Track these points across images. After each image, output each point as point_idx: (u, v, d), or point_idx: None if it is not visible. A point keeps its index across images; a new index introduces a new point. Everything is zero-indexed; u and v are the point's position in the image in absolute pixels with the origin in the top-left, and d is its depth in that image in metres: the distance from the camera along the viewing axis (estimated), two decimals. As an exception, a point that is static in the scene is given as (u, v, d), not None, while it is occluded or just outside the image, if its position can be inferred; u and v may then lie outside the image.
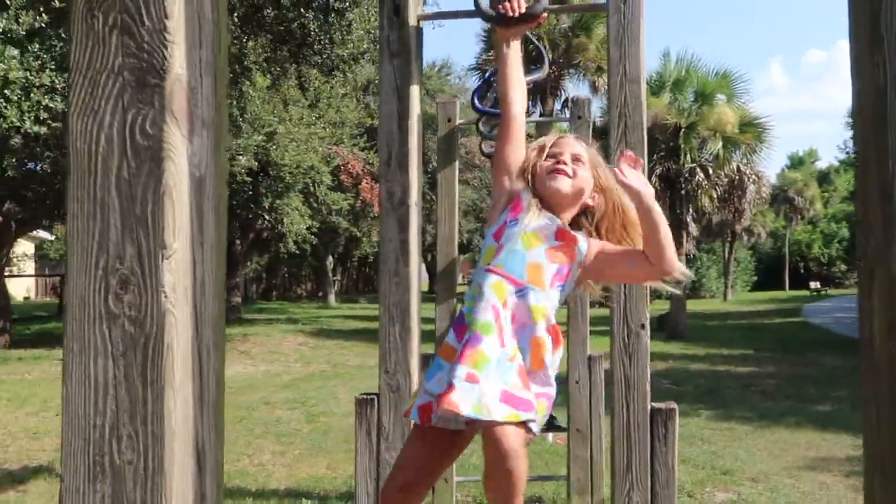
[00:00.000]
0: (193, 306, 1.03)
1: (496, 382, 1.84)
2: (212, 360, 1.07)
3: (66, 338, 0.99)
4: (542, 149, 2.25)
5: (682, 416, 8.09)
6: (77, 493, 0.98)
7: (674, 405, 3.08)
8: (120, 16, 0.99)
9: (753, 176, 19.29)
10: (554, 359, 2.05)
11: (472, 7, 2.99)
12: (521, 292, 2.01)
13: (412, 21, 3.24)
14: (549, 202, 2.16)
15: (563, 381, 5.72)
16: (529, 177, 2.20)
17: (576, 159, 2.19)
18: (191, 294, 1.03)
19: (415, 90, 3.09)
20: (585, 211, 2.25)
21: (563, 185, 2.13)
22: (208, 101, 1.06)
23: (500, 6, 2.50)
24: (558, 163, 2.15)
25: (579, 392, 5.47)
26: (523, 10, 2.31)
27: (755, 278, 50.05)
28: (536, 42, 3.51)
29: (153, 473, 0.97)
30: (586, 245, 2.17)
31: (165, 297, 0.97)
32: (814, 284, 43.76)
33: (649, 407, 3.04)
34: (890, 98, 0.87)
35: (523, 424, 1.83)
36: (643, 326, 3.17)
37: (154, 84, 0.99)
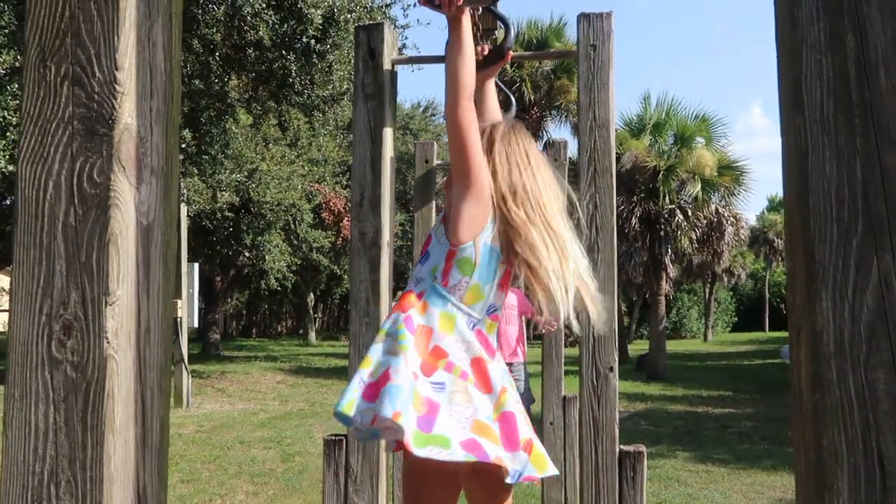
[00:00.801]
0: (137, 352, 1.04)
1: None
2: (156, 405, 1.08)
3: (7, 384, 1.00)
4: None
5: (659, 458, 8.10)
6: (15, 540, 0.98)
7: (642, 448, 3.09)
8: (71, 67, 1.02)
9: (732, 218, 19.50)
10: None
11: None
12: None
13: (386, 65, 3.30)
14: None
15: (537, 421, 5.76)
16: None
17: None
18: (134, 339, 1.04)
19: (388, 133, 3.14)
20: None
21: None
22: (158, 149, 1.08)
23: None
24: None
25: (553, 433, 5.48)
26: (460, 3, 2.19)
27: (735, 319, 50.29)
28: (505, 88, 3.58)
29: (91, 519, 0.97)
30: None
31: (108, 342, 0.99)
32: (793, 326, 43.83)
33: (618, 450, 3.05)
34: (811, 162, 0.91)
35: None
36: (611, 369, 3.19)
37: (102, 133, 1.01)
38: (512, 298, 6.04)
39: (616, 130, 3.31)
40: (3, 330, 30.18)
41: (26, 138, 1.02)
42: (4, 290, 27.29)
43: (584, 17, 3.22)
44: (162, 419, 1.09)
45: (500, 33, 3.36)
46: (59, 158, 1.01)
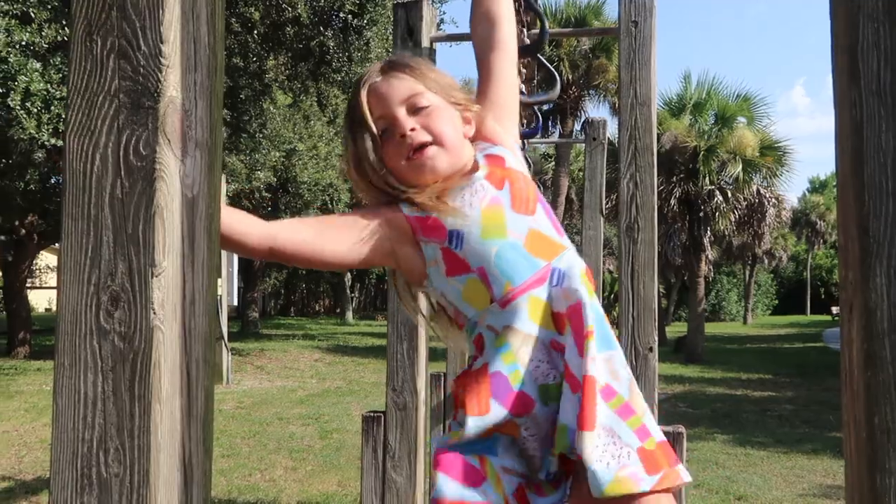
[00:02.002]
0: (182, 323, 1.06)
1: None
2: (200, 376, 1.09)
3: (57, 353, 1.01)
4: (361, 125, 1.51)
5: (698, 440, 8.05)
6: (65, 505, 1.00)
7: (682, 428, 3.07)
8: (117, 40, 1.02)
9: (773, 199, 19.21)
10: None
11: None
12: (554, 278, 1.46)
13: (425, 42, 3.28)
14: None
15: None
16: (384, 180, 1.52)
17: (411, 104, 1.51)
18: (180, 311, 1.05)
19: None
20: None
21: (436, 162, 1.49)
22: (202, 122, 1.09)
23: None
24: (402, 136, 1.48)
25: (591, 414, 5.46)
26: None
27: (776, 302, 49.65)
28: (549, 65, 3.56)
29: (139, 485, 0.99)
30: (507, 152, 1.61)
31: (154, 313, 1.00)
32: (835, 309, 43.32)
33: (657, 430, 3.02)
34: (867, 133, 0.88)
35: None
36: (651, 349, 3.17)
37: (148, 106, 1.02)
38: None
39: (656, 111, 3.27)
40: (49, 307, 30.89)
41: (73, 112, 1.03)
42: (51, 267, 27.89)
43: (626, -7, 3.17)
44: (206, 390, 1.10)
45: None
46: (105, 131, 1.02)
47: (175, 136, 1.04)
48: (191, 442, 1.06)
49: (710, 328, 25.79)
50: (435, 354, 3.41)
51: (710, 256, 19.66)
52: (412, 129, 1.47)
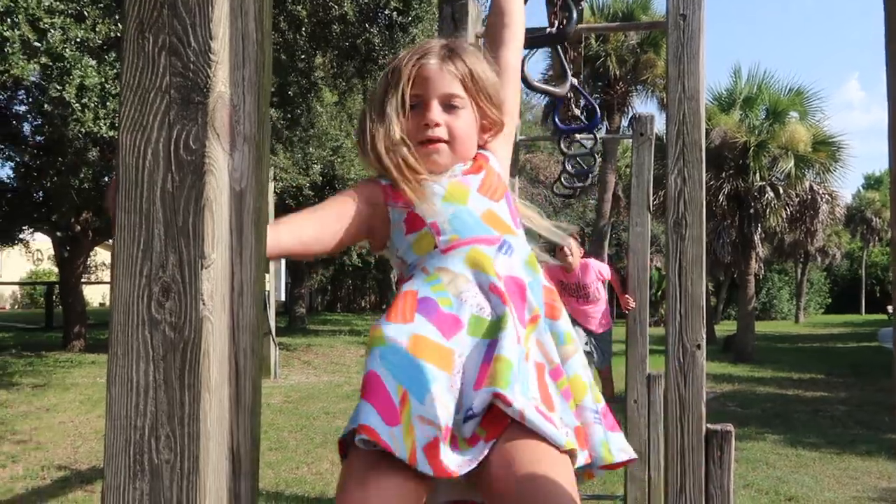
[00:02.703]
0: (231, 314, 1.08)
1: (522, 397, 1.35)
2: (248, 366, 1.11)
3: (110, 343, 1.04)
4: (397, 91, 1.58)
5: (748, 440, 7.93)
6: (118, 491, 1.03)
7: (730, 427, 3.03)
8: (168, 37, 1.05)
9: (827, 196, 18.78)
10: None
11: (534, 25, 3.04)
12: (503, 250, 1.51)
13: (471, 38, 3.29)
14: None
15: (621, 399, 5.72)
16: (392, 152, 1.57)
17: (448, 101, 1.59)
18: (228, 302, 1.07)
19: (473, 106, 3.12)
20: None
21: (440, 158, 1.59)
22: (250, 117, 1.11)
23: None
24: (426, 125, 1.57)
25: (637, 412, 5.42)
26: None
27: (829, 301, 48.59)
28: (564, 60, 3.54)
29: (189, 472, 1.02)
30: (491, 155, 1.68)
31: (203, 304, 1.02)
32: (891, 308, 42.22)
33: (704, 429, 2.99)
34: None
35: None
36: (699, 346, 3.13)
37: (198, 101, 1.04)
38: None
39: (704, 105, 3.22)
40: (103, 301, 31.62)
41: (126, 108, 1.06)
42: (105, 263, 28.53)
43: (673, -14, 3.13)
44: (254, 381, 1.12)
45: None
46: (156, 127, 1.05)
47: (224, 130, 1.06)
48: (239, 431, 1.08)
49: (761, 327, 25.34)
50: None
51: (760, 254, 19.29)
52: (437, 125, 1.57)
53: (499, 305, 1.43)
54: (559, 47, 3.32)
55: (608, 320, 6.11)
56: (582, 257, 6.42)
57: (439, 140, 1.57)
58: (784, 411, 10.44)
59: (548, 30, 3.00)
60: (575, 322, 6.11)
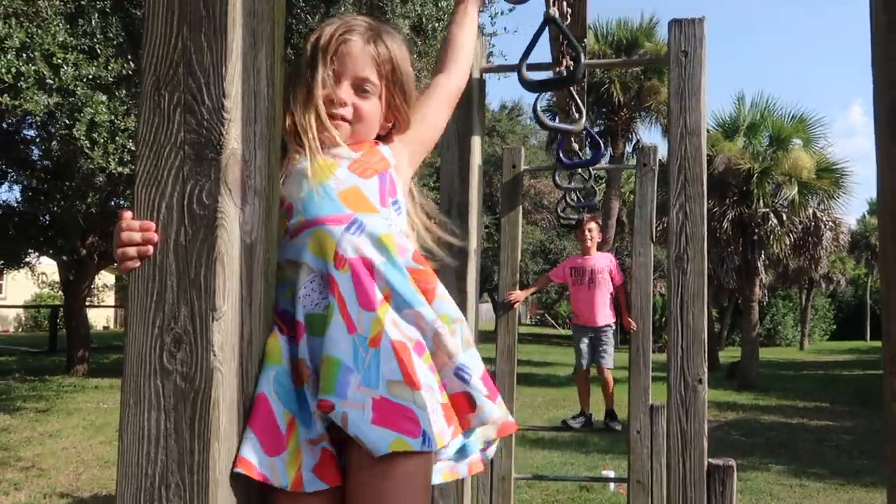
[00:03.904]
0: (240, 363, 1.11)
1: (360, 392, 1.28)
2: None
3: (123, 391, 1.07)
4: (318, 62, 1.58)
5: (751, 470, 7.89)
6: (129, 537, 1.05)
7: (732, 462, 3.04)
8: (183, 95, 1.08)
9: (830, 222, 18.78)
10: (442, 298, 1.47)
11: (536, 61, 3.09)
12: (352, 229, 1.43)
13: (475, 73, 3.33)
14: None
15: (624, 430, 5.71)
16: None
17: (360, 84, 1.59)
18: (238, 352, 1.10)
19: (476, 141, 3.16)
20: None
21: (340, 134, 1.56)
22: (261, 171, 1.14)
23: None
24: (333, 101, 1.56)
25: (640, 442, 5.41)
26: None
27: (834, 327, 48.35)
28: (577, 98, 3.58)
29: (198, 521, 1.04)
30: (386, 147, 1.66)
31: (214, 355, 1.05)
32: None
33: (706, 463, 2.99)
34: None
35: (418, 455, 1.29)
36: (700, 381, 3.14)
37: (211, 158, 1.07)
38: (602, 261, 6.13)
39: (708, 132, 3.27)
40: (106, 325, 31.64)
41: (142, 163, 1.10)
42: (108, 286, 28.57)
43: (675, 23, 3.18)
44: (262, 428, 1.15)
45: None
46: (171, 182, 1.08)
47: (235, 185, 1.09)
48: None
49: (765, 353, 25.25)
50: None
51: (764, 280, 19.28)
52: (343, 104, 1.56)
53: (328, 296, 1.36)
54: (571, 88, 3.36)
55: (612, 315, 6.05)
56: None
57: (343, 118, 1.56)
58: (789, 440, 10.38)
59: (558, 70, 3.03)
60: (579, 327, 6.07)
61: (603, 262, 6.13)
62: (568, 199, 6.22)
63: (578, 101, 3.53)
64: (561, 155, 4.43)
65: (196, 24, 1.08)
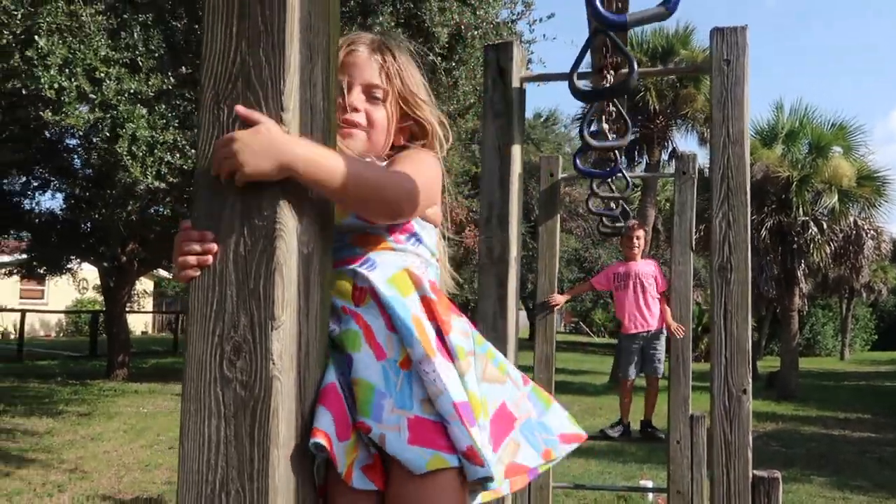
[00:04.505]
0: (298, 372, 1.12)
1: (394, 415, 1.29)
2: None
3: (183, 399, 1.09)
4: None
5: (792, 482, 7.76)
6: (188, 543, 1.07)
7: (777, 474, 3.00)
8: (243, 108, 1.10)
9: (872, 231, 18.44)
10: (457, 332, 1.42)
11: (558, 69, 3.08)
12: (367, 266, 1.44)
13: (515, 83, 3.33)
14: None
15: (660, 435, 5.65)
16: None
17: (370, 91, 1.59)
18: (295, 361, 1.12)
19: (516, 150, 3.17)
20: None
21: (354, 142, 1.56)
22: (318, 183, 1.16)
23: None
24: (345, 108, 1.55)
25: (680, 452, 5.36)
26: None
27: (875, 337, 47.44)
28: (623, 112, 3.56)
29: (257, 527, 1.05)
30: None
31: (273, 364, 1.07)
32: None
33: (751, 475, 2.96)
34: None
35: (455, 472, 1.28)
36: (745, 391, 3.11)
37: (270, 170, 1.09)
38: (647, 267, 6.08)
39: (749, 149, 3.22)
40: (145, 330, 32.10)
41: (202, 175, 1.12)
42: (147, 292, 28.98)
43: (717, 32, 3.16)
44: (318, 435, 1.16)
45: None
46: (231, 194, 1.10)
47: (294, 197, 1.11)
48: (305, 488, 1.12)
49: (805, 363, 24.85)
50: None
51: (804, 289, 18.98)
52: (356, 109, 1.56)
53: (348, 320, 1.36)
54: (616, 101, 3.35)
55: (662, 320, 5.96)
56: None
57: (356, 125, 1.55)
58: (830, 452, 10.20)
59: (604, 83, 3.02)
60: (629, 335, 6.00)
61: (648, 269, 6.09)
62: (591, 206, 6.14)
63: (623, 112, 3.52)
64: (578, 163, 4.39)
65: (255, 40, 1.10)
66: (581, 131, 3.37)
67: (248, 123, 1.11)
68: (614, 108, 3.69)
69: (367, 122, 1.57)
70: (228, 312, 1.08)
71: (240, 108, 1.15)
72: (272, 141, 1.12)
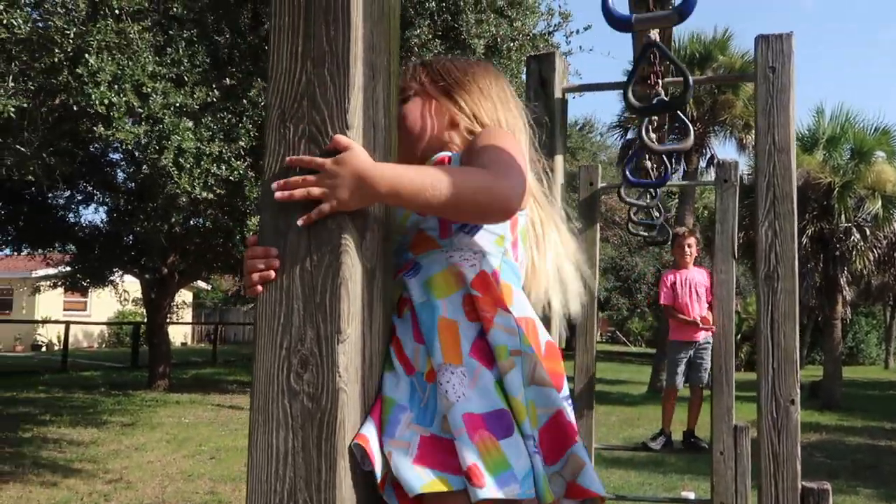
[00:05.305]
0: (362, 384, 1.15)
1: (409, 430, 1.23)
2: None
3: (252, 410, 1.12)
4: None
5: (838, 494, 7.62)
6: (258, 552, 1.09)
7: (827, 486, 2.96)
8: (308, 127, 1.14)
9: (917, 237, 18.10)
10: (499, 328, 1.31)
11: (614, 80, 3.09)
12: (411, 273, 1.38)
13: (557, 93, 3.35)
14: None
15: (703, 446, 5.59)
16: None
17: (400, 96, 1.49)
18: (360, 374, 1.14)
19: (559, 160, 3.17)
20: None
21: (399, 151, 1.46)
22: (380, 199, 1.18)
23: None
24: None
25: (724, 464, 5.29)
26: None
27: (921, 345, 46.42)
28: (685, 117, 3.55)
29: (325, 538, 1.07)
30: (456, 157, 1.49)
31: (339, 376, 1.09)
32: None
33: (800, 486, 2.93)
34: None
35: (462, 496, 1.18)
36: (793, 402, 3.07)
37: (342, 187, 1.12)
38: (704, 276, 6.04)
39: (795, 157, 3.19)
40: (184, 341, 32.50)
41: (268, 192, 1.15)
42: (187, 303, 29.34)
43: (762, 39, 3.14)
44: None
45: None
46: (298, 210, 1.13)
47: (358, 213, 1.13)
48: (371, 498, 1.14)
49: (848, 372, 24.37)
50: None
51: (846, 297, 18.65)
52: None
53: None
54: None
55: (711, 328, 5.92)
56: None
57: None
58: (876, 463, 10.00)
59: (649, 91, 3.02)
60: (679, 343, 5.96)
61: (700, 277, 6.07)
62: (633, 216, 6.12)
63: (685, 119, 3.52)
64: (628, 172, 4.38)
65: (320, 60, 1.13)
66: (640, 137, 3.36)
67: (314, 141, 1.14)
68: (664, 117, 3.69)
69: (398, 123, 1.45)
70: (295, 326, 1.11)
71: (339, 138, 1.15)
72: (362, 175, 1.12)
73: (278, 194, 1.16)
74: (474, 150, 1.39)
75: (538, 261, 1.51)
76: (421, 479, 1.15)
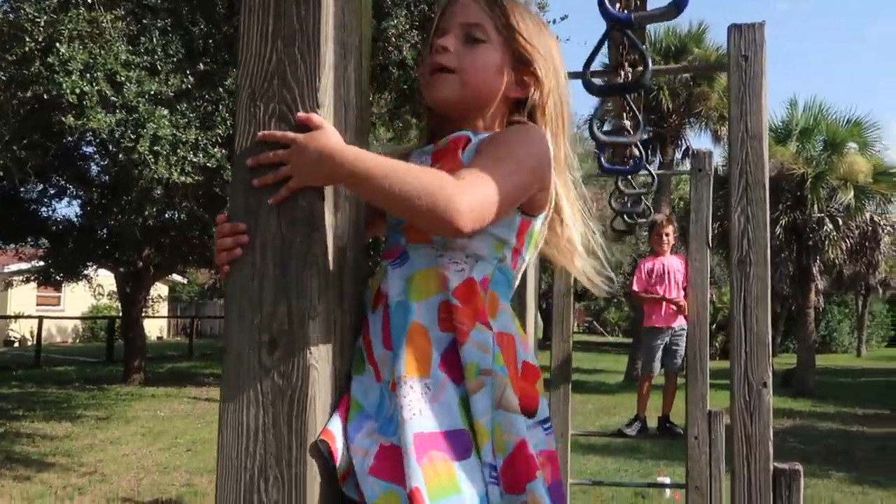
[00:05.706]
0: (333, 362, 1.15)
1: (370, 438, 1.18)
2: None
3: (223, 388, 1.12)
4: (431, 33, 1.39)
5: (811, 478, 7.74)
6: (229, 529, 1.10)
7: (798, 466, 3.00)
8: (278, 105, 1.14)
9: (888, 227, 18.36)
10: (472, 344, 1.21)
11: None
12: (397, 262, 1.28)
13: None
14: (445, 119, 1.40)
15: (679, 431, 5.64)
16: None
17: (469, 31, 1.33)
18: (331, 352, 1.14)
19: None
20: (522, 105, 1.38)
21: (443, 89, 1.33)
22: (350, 178, 1.19)
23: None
24: (434, 51, 1.33)
25: (698, 449, 5.35)
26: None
27: (892, 333, 47.12)
28: (636, 109, 3.57)
29: (296, 513, 1.08)
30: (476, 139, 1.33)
31: (310, 353, 1.09)
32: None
33: (772, 468, 2.97)
34: None
35: None
36: (765, 384, 3.11)
37: (307, 165, 1.12)
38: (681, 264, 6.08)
39: (767, 144, 3.23)
40: (160, 335, 32.26)
41: (239, 171, 1.15)
42: (162, 297, 29.11)
43: (735, 28, 3.17)
44: (353, 425, 1.19)
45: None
46: (267, 189, 1.13)
47: (328, 191, 1.14)
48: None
49: (821, 360, 24.69)
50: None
51: (819, 286, 18.89)
52: (443, 48, 1.32)
53: (359, 340, 1.27)
54: (628, 95, 3.36)
55: (684, 311, 5.98)
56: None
57: (442, 67, 1.31)
58: (848, 448, 10.16)
59: (623, 77, 3.04)
60: (656, 329, 6.01)
61: (677, 264, 6.11)
62: (614, 203, 6.15)
63: (636, 110, 3.53)
64: (603, 161, 4.40)
65: (290, 39, 1.13)
66: (591, 128, 3.36)
67: (285, 120, 1.13)
68: (629, 107, 3.71)
69: (457, 64, 1.31)
70: (266, 303, 1.11)
71: (301, 115, 1.11)
72: (327, 154, 1.08)
73: (250, 161, 1.13)
74: (489, 144, 1.28)
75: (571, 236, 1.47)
76: (374, 490, 1.11)
